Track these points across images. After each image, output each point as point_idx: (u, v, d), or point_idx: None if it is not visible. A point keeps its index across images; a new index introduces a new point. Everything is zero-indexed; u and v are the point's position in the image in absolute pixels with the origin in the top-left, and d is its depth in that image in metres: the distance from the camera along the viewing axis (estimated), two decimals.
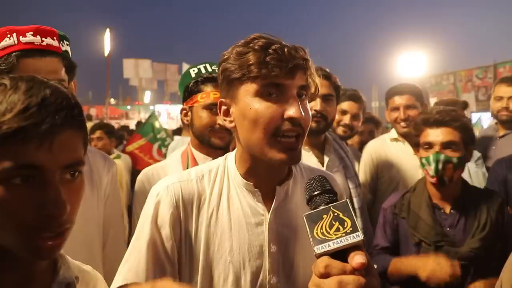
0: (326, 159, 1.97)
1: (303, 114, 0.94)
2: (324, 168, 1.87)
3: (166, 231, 1.00)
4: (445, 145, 1.67)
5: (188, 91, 1.67)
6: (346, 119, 2.68)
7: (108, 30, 14.13)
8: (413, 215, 1.73)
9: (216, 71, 1.61)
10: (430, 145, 1.70)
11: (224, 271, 0.99)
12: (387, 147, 2.59)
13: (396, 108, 2.53)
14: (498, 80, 2.96)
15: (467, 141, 1.70)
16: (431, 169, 1.67)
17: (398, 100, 2.53)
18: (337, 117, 2.73)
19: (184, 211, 1.02)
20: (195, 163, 1.65)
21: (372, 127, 3.85)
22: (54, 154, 0.65)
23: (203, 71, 1.65)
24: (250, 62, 0.93)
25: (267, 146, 0.95)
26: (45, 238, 0.66)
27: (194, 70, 1.68)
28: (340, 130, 2.67)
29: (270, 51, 0.93)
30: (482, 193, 1.77)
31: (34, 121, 0.62)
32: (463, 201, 1.71)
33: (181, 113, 1.74)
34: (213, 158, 1.62)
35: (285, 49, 0.94)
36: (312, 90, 1.01)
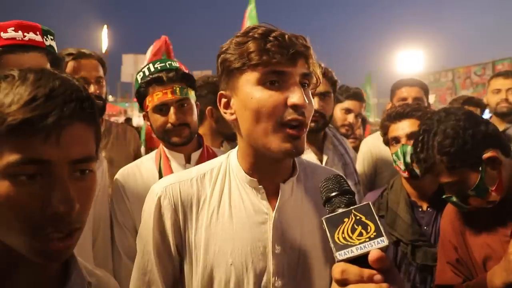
0: (325, 157, 1.93)
1: (306, 101, 0.90)
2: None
3: (167, 235, 0.98)
4: (410, 137, 1.64)
5: (140, 97, 1.65)
6: (350, 118, 2.67)
7: (105, 26, 14.09)
8: (391, 213, 1.70)
9: (160, 68, 1.59)
10: (397, 140, 1.70)
11: (225, 274, 0.95)
12: None
13: (404, 99, 2.44)
14: (494, 74, 2.93)
15: None
16: (402, 163, 1.66)
17: (407, 91, 2.46)
18: (340, 115, 2.70)
19: (183, 213, 0.99)
20: (167, 159, 1.65)
21: None
22: (62, 148, 0.61)
23: (147, 73, 1.61)
24: (250, 50, 0.90)
25: (271, 136, 0.90)
26: (53, 240, 0.61)
27: (140, 75, 1.65)
28: (343, 129, 2.64)
29: (271, 38, 0.90)
30: None
31: (40, 112, 0.58)
32: (439, 198, 1.65)
33: (144, 119, 1.73)
34: (183, 154, 1.64)
35: (286, 36, 0.91)
36: (314, 80, 0.97)
